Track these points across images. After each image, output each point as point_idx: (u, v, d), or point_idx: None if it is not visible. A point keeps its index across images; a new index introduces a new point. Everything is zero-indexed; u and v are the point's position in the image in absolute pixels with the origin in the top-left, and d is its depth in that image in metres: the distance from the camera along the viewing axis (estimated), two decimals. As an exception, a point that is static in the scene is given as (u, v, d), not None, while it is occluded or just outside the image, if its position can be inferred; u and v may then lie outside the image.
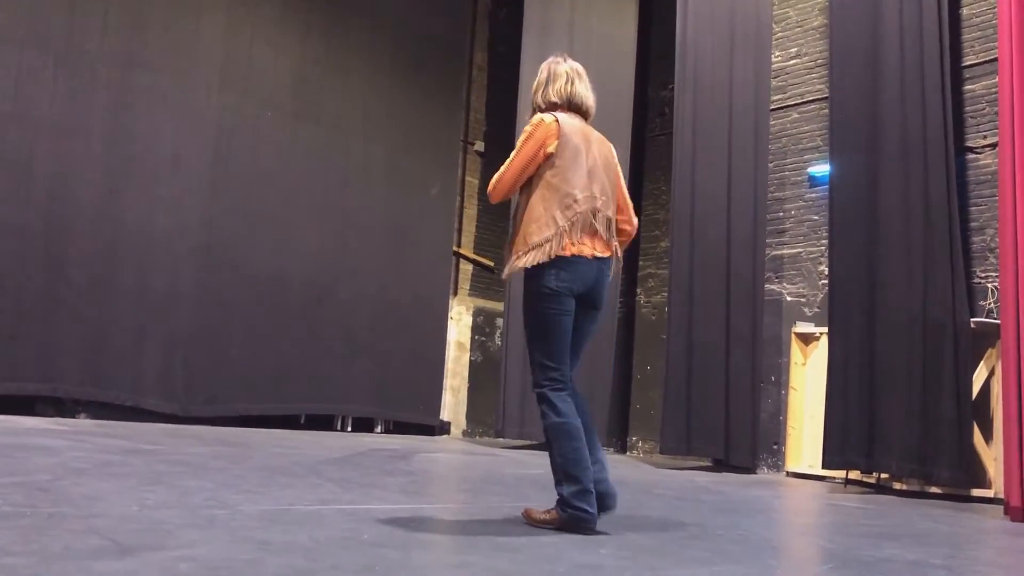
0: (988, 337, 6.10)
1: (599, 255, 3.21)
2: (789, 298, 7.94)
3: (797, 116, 8.16)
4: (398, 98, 8.83)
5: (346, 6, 8.51)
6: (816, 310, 7.63)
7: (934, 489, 6.00)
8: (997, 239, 5.91)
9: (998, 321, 5.46)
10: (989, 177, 6.66)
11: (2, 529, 2.19)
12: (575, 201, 3.16)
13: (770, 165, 7.86)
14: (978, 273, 6.69)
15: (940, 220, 6.14)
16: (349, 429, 8.36)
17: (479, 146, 9.79)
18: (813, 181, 7.90)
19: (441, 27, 9.27)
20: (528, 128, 3.25)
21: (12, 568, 1.79)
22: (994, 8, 6.35)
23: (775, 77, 8.17)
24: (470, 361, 9.49)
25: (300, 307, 7.95)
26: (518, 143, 3.25)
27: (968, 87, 6.97)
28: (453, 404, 9.31)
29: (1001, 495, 5.19)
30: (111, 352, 6.80)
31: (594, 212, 3.21)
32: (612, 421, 8.77)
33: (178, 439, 5.57)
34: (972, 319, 6.12)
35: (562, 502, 3.04)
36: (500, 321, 9.32)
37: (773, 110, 8.01)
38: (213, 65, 7.54)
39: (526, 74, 8.53)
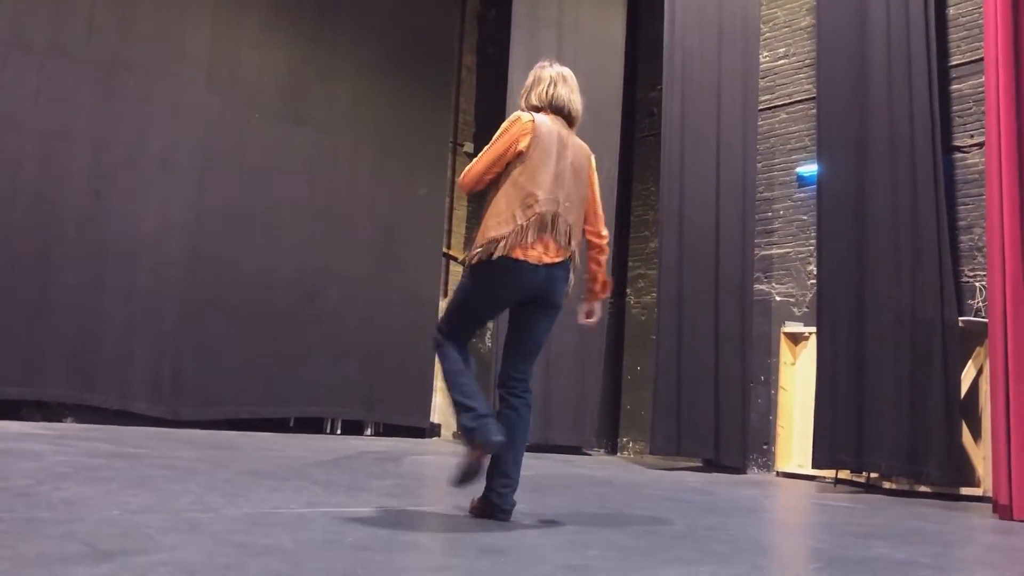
0: (976, 336, 6.11)
1: (548, 261, 3.21)
2: (778, 298, 7.94)
3: (785, 116, 8.17)
4: (387, 99, 8.81)
5: (334, 7, 8.48)
6: (805, 310, 7.64)
7: (923, 488, 6.00)
8: (984, 238, 5.91)
9: (986, 320, 5.46)
10: (976, 176, 6.67)
11: (-21, 534, 2.16)
12: (536, 201, 3.19)
13: (758, 165, 7.86)
14: (966, 272, 6.70)
15: (928, 219, 6.15)
16: (339, 432, 8.33)
17: (468, 147, 9.77)
18: (801, 181, 7.91)
19: (430, 28, 9.25)
20: (505, 124, 3.30)
21: (-14, 574, 1.76)
22: (980, 8, 6.36)
23: (763, 77, 8.18)
24: (460, 363, 9.45)
25: (289, 309, 7.91)
26: (494, 137, 3.29)
27: (955, 86, 6.98)
28: (443, 406, 9.27)
29: (990, 493, 5.19)
30: (98, 355, 6.75)
31: (554, 216, 3.22)
32: (602, 422, 8.75)
33: (165, 443, 5.53)
34: (960, 318, 6.13)
35: (465, 431, 3.13)
36: (490, 323, 9.29)
37: (761, 110, 8.01)
38: (200, 66, 7.50)
39: (515, 75, 8.52)
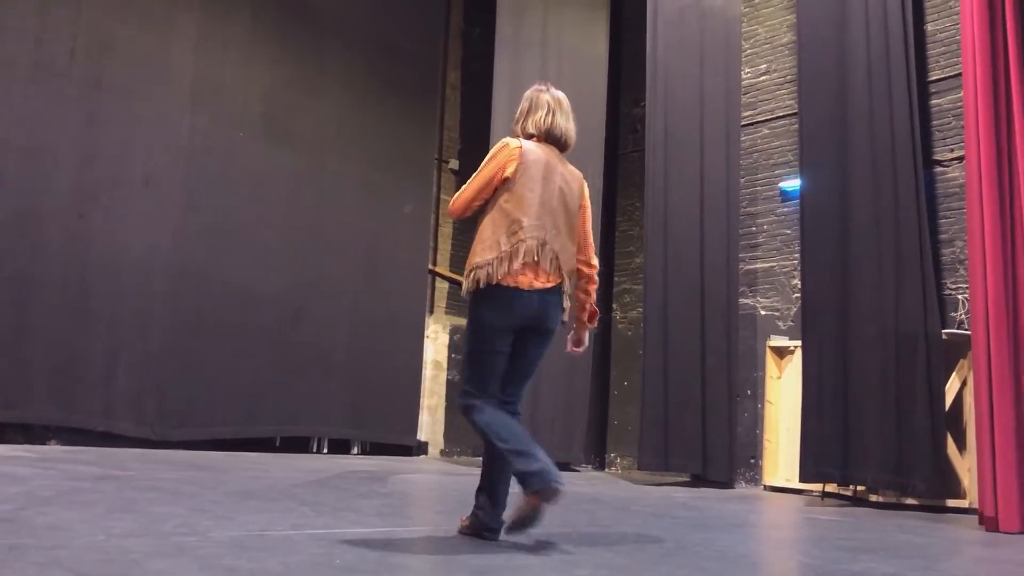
0: (959, 348, 6.16)
1: (540, 287, 3.19)
2: (763, 312, 7.98)
3: (768, 132, 8.24)
4: (371, 117, 8.82)
5: (318, 26, 8.50)
6: (790, 323, 7.68)
7: (910, 500, 6.03)
8: (966, 251, 5.97)
9: (969, 332, 5.51)
10: (957, 190, 6.74)
11: (-38, 562, 2.13)
12: (521, 228, 3.18)
13: (742, 180, 7.92)
14: (948, 285, 6.76)
15: (910, 233, 6.20)
16: (325, 451, 8.28)
17: (453, 164, 9.79)
18: (785, 196, 7.97)
19: (414, 46, 9.27)
20: (492, 150, 3.31)
21: (-30, 603, 1.74)
22: (957, 24, 6.45)
23: (745, 93, 8.25)
24: (447, 380, 9.44)
25: (274, 328, 7.88)
26: (482, 163, 3.30)
27: (934, 101, 7.07)
28: (430, 424, 9.25)
29: (976, 505, 5.22)
30: (82, 376, 6.70)
31: (541, 243, 3.20)
32: (590, 438, 8.75)
33: (150, 464, 5.49)
34: (943, 330, 6.18)
35: (524, 479, 2.97)
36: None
37: (744, 126, 8.08)
38: (184, 85, 7.49)
39: (499, 92, 8.56)
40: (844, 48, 6.70)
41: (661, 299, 7.48)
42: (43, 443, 6.49)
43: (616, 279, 9.55)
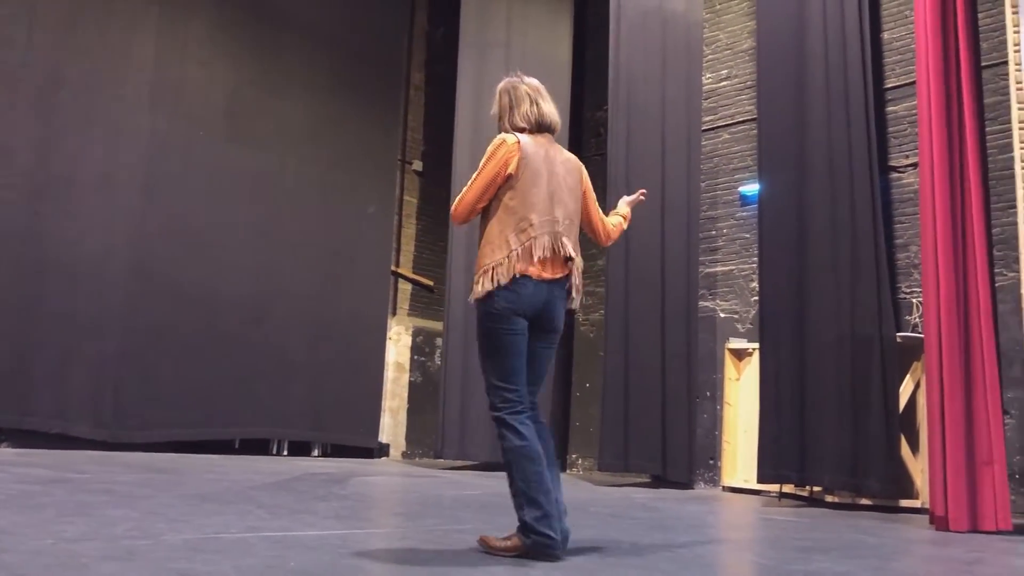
0: (914, 351, 6.27)
1: (548, 277, 3.15)
2: (722, 315, 8.06)
3: (728, 136, 8.33)
4: (334, 117, 8.77)
5: (280, 25, 8.44)
6: (749, 326, 7.76)
7: (865, 501, 6.12)
8: (920, 255, 6.08)
9: (923, 335, 5.61)
10: (912, 195, 6.87)
11: (-96, 567, 2.09)
12: (530, 225, 3.12)
13: (702, 184, 7.99)
14: (903, 289, 6.88)
15: (866, 237, 6.30)
16: (285, 453, 8.22)
17: (417, 165, 9.77)
18: (744, 200, 8.06)
19: (377, 46, 9.25)
20: (490, 149, 3.20)
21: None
22: (913, 33, 6.57)
23: (706, 98, 8.33)
24: (409, 382, 9.42)
25: (234, 329, 7.81)
26: (480, 164, 3.21)
27: (890, 108, 7.19)
28: (392, 426, 9.22)
29: (927, 505, 5.32)
30: (35, 378, 6.59)
31: (554, 236, 3.16)
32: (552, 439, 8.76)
33: (106, 467, 5.41)
34: (898, 334, 6.28)
35: (524, 528, 2.97)
36: (440, 341, 9.27)
37: (705, 131, 8.16)
38: (143, 84, 7.40)
39: (463, 94, 8.56)
40: (803, 55, 6.78)
41: (623, 302, 7.52)
42: (-5, 446, 6.38)
43: (579, 281, 9.58)
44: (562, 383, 9.16)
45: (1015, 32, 5.20)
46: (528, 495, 2.97)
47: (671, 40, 7.87)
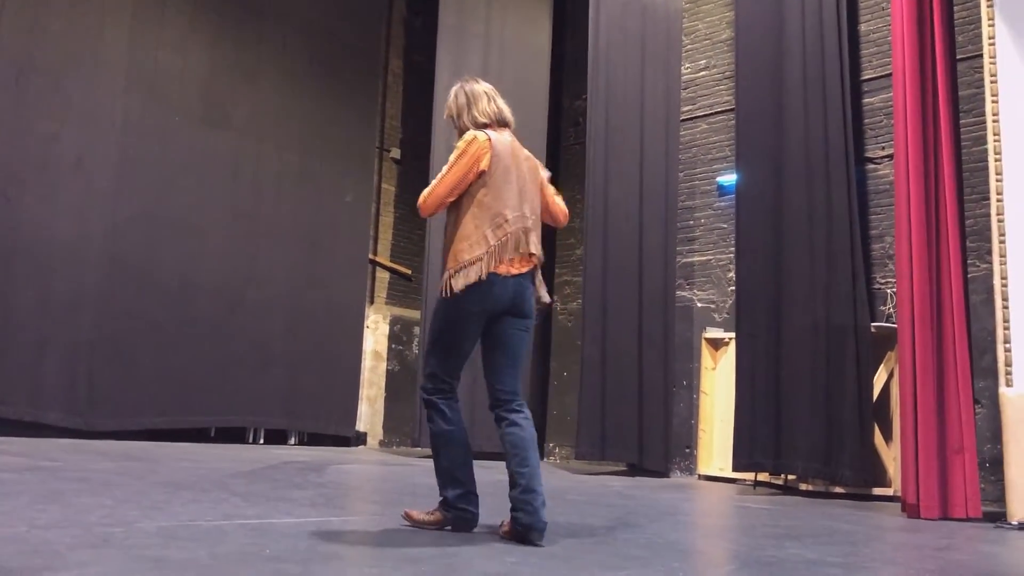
0: (887, 341, 6.33)
1: (515, 272, 3.21)
2: (699, 304, 8.10)
3: (706, 127, 8.35)
4: (312, 105, 8.72)
5: (258, 12, 8.36)
6: (725, 316, 7.81)
7: (838, 489, 6.19)
8: (895, 246, 6.14)
9: (896, 325, 5.67)
10: (887, 187, 6.92)
11: None
12: (505, 220, 3.18)
13: (680, 174, 8.02)
14: (878, 279, 6.95)
15: (841, 228, 6.35)
16: (261, 441, 8.19)
17: (395, 153, 9.73)
18: (722, 190, 8.09)
19: (356, 34, 9.19)
20: (461, 145, 3.24)
21: None
22: (889, 25, 6.61)
23: (685, 88, 8.35)
24: (387, 371, 9.41)
25: (210, 316, 7.76)
26: (451, 159, 3.24)
27: (867, 100, 7.24)
28: (369, 414, 9.21)
29: (900, 493, 5.38)
30: (7, 365, 6.52)
31: (525, 231, 3.23)
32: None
33: (80, 455, 5.37)
34: (872, 323, 6.34)
35: (445, 504, 3.21)
36: (417, 330, 9.27)
37: (683, 121, 8.17)
38: (118, 68, 7.31)
39: (442, 82, 8.52)
40: (781, 46, 6.82)
41: (600, 291, 7.55)
42: (-34, 433, 6.30)
43: (557, 271, 9.60)
44: (539, 372, 9.18)
45: (990, 25, 5.25)
46: (452, 474, 3.20)
47: (650, 30, 7.88)
